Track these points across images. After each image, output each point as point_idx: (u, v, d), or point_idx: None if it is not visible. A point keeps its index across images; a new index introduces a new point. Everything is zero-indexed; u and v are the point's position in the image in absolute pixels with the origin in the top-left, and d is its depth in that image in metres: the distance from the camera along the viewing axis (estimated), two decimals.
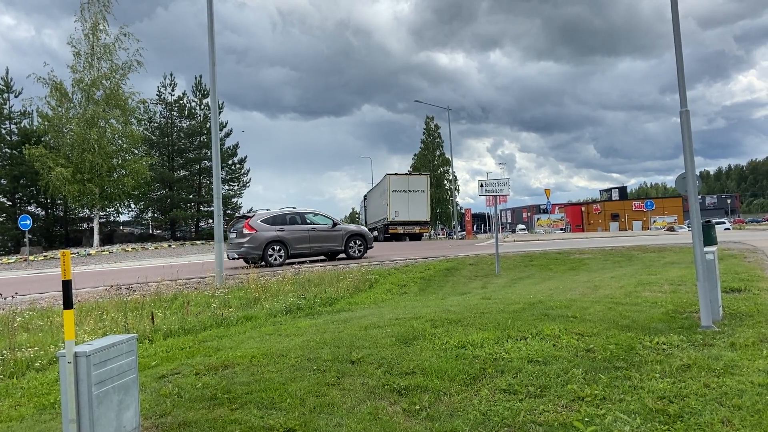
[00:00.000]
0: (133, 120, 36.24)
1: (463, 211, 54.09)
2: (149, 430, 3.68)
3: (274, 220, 15.87)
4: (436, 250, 19.67)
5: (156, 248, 34.98)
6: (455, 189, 62.50)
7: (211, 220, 48.51)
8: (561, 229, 63.12)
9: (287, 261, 15.65)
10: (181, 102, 50.47)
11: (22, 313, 8.39)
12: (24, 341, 6.63)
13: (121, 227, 51.37)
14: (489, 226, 69.41)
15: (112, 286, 10.66)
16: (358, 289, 10.89)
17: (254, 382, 4.45)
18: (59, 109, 33.30)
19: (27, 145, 33.44)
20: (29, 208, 45.64)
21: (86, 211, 40.55)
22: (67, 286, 3.18)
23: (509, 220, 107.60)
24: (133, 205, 45.70)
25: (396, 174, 33.34)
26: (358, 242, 16.94)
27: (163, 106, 49.95)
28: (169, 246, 37.02)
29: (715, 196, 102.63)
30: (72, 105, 33.52)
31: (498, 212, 19.56)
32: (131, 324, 7.37)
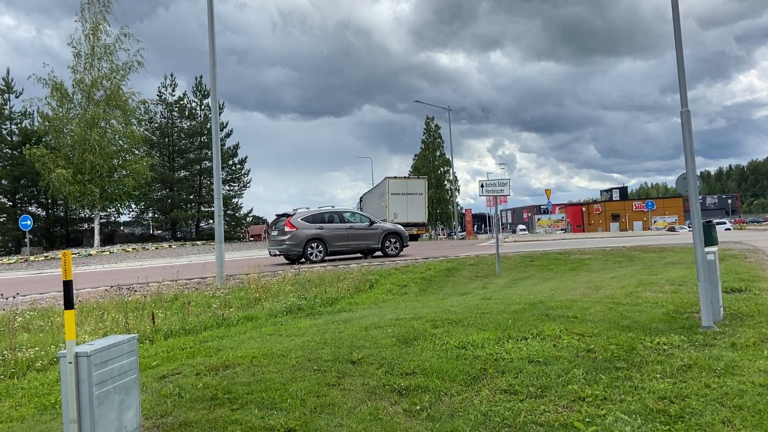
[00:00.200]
0: (133, 120, 36.25)
1: (463, 211, 54.14)
2: (150, 431, 3.68)
3: (313, 219, 16.45)
4: (437, 251, 19.68)
5: (156, 249, 34.99)
6: (456, 189, 62.55)
7: (211, 221, 48.52)
8: (561, 230, 63.09)
9: (326, 258, 16.10)
10: (181, 102, 50.53)
11: (22, 313, 8.40)
12: (25, 341, 6.63)
13: (121, 228, 51.43)
14: (489, 226, 69.43)
15: (112, 286, 10.67)
16: (359, 289, 10.89)
17: (255, 383, 4.45)
18: (60, 109, 33.32)
19: (27, 145, 33.45)
20: (30, 208, 45.72)
21: (87, 211, 40.56)
22: (68, 286, 3.18)
23: (510, 221, 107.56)
24: (133, 206, 45.84)
25: (395, 177, 33.99)
26: (394, 240, 17.31)
27: (164, 107, 50.01)
28: (170, 246, 37.03)
29: (715, 197, 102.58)
30: (72, 105, 33.55)
31: (498, 212, 19.59)
32: (132, 324, 7.38)
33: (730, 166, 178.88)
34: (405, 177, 36.79)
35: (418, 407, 3.89)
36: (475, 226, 63.00)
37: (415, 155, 65.70)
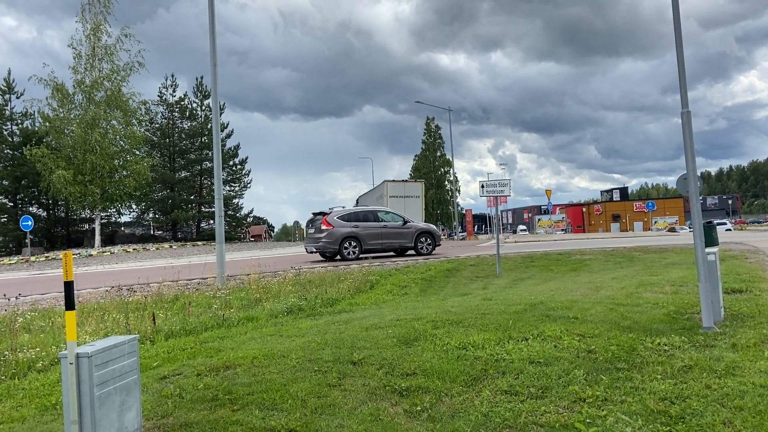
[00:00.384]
0: (134, 121, 36.33)
1: (464, 211, 54.12)
2: (151, 431, 3.68)
3: (349, 217, 16.96)
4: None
5: (157, 249, 35.02)
6: (456, 190, 62.65)
7: (212, 221, 48.59)
8: (562, 230, 63.11)
9: (360, 256, 16.40)
10: (182, 103, 50.61)
11: (23, 314, 8.40)
12: (26, 342, 6.64)
13: (122, 228, 51.46)
14: (490, 226, 69.40)
15: (113, 286, 10.67)
16: (359, 289, 10.88)
17: (255, 383, 4.45)
18: (60, 110, 33.37)
19: (28, 146, 33.50)
20: (31, 209, 45.79)
21: (87, 212, 40.64)
22: (69, 287, 3.18)
23: (510, 221, 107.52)
24: (134, 206, 45.95)
25: (393, 181, 35.09)
26: (427, 239, 17.56)
27: (165, 107, 50.12)
28: (170, 247, 37.07)
29: (716, 197, 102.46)
30: (73, 106, 33.61)
31: (499, 213, 19.59)
32: (133, 325, 7.38)
33: (731, 166, 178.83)
34: (403, 180, 37.70)
35: (418, 408, 3.89)
36: (476, 226, 62.93)
37: (416, 156, 65.83)
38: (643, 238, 23.89)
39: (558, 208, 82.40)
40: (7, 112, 43.66)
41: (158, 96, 49.63)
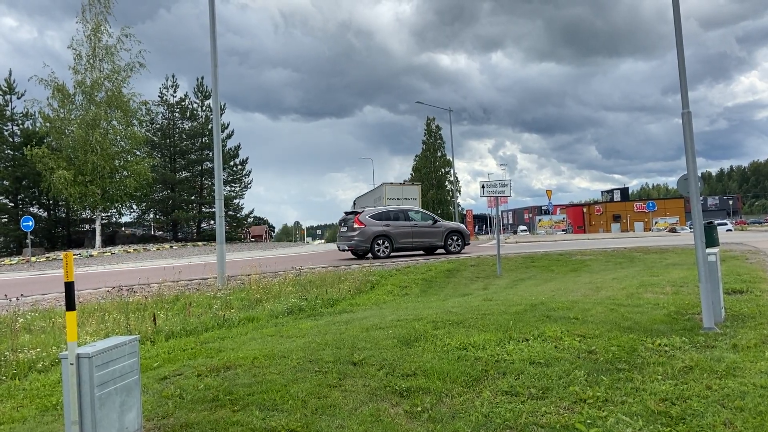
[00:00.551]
0: (134, 121, 36.33)
1: (464, 212, 54.11)
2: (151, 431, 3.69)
3: (380, 216, 17.28)
4: (437, 251, 19.64)
5: (158, 249, 35.03)
6: (456, 190, 62.52)
7: (212, 222, 48.56)
8: (562, 231, 63.10)
9: (391, 254, 16.80)
10: (182, 103, 50.59)
11: (24, 314, 8.40)
12: (26, 342, 6.64)
13: (122, 228, 51.42)
14: (490, 227, 69.42)
15: (114, 287, 10.68)
16: (360, 290, 10.88)
17: (256, 384, 4.45)
18: (61, 110, 33.38)
19: (29, 146, 33.51)
20: (31, 209, 45.77)
21: (88, 212, 40.63)
22: (69, 287, 3.18)
23: (511, 222, 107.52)
24: (134, 207, 45.88)
25: (391, 183, 35.89)
26: (457, 239, 17.83)
27: (165, 108, 50.09)
28: (171, 247, 37.07)
29: (717, 198, 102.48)
30: (74, 107, 33.62)
31: (499, 213, 19.63)
32: (133, 325, 7.38)
33: (732, 167, 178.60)
34: (401, 183, 38.42)
35: (419, 408, 3.89)
36: (476, 227, 63.02)
37: (416, 156, 65.72)
38: (644, 239, 23.88)
39: (558, 209, 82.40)
40: (8, 113, 43.64)
41: (159, 96, 49.63)
